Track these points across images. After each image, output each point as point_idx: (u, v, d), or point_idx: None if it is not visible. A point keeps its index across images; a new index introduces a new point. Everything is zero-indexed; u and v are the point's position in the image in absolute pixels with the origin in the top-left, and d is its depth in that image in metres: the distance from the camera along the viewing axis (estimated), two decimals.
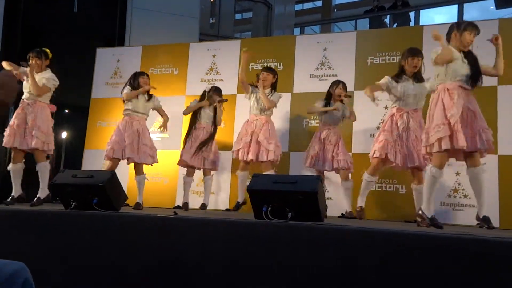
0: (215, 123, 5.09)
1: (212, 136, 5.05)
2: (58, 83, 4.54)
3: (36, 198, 4.34)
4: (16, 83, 1.15)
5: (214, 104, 5.08)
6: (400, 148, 3.98)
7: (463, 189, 4.64)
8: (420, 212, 3.44)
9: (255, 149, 4.70)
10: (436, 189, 3.41)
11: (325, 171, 4.79)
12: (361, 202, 4.29)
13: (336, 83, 4.86)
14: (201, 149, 4.93)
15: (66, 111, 7.07)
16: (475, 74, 3.35)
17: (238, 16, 12.64)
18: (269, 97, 4.83)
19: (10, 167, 4.48)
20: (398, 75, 4.11)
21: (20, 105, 4.49)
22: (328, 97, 4.84)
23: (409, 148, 3.95)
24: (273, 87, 4.95)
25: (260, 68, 5.71)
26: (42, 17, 7.42)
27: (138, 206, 4.68)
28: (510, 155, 4.49)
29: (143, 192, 4.83)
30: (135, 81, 4.89)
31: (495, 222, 4.35)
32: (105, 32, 7.49)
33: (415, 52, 4.04)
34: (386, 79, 4.11)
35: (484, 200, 3.34)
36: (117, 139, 4.70)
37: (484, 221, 3.25)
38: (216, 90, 5.16)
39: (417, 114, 4.04)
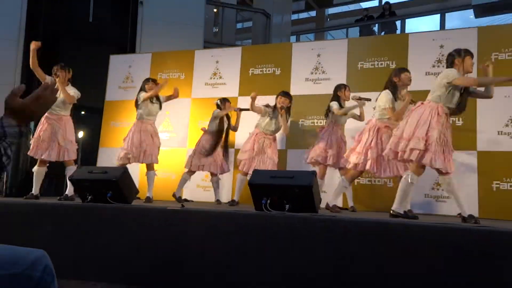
0: (227, 130, 5.07)
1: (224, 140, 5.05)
2: (80, 95, 4.59)
3: (64, 195, 4.44)
4: (55, 97, 1.15)
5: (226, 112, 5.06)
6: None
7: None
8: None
9: (259, 165, 4.64)
10: (410, 191, 3.42)
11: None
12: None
13: (343, 86, 4.62)
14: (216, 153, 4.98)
15: (83, 112, 7.06)
16: (463, 104, 3.40)
17: (239, 25, 12.62)
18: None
19: (34, 169, 4.50)
20: (395, 93, 3.98)
21: (43, 119, 4.46)
22: (337, 99, 4.55)
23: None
24: (288, 111, 4.77)
25: (260, 72, 5.72)
26: (61, 26, 7.40)
27: (148, 200, 4.67)
28: (487, 151, 4.49)
29: (152, 187, 4.81)
30: (143, 88, 4.89)
31: (475, 212, 4.36)
32: (117, 40, 7.47)
33: (405, 69, 4.05)
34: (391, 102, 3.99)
35: (462, 201, 3.32)
36: (134, 144, 4.70)
37: (470, 218, 3.23)
38: (226, 100, 5.13)
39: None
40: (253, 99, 4.62)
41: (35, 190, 4.45)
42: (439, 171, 3.33)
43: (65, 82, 4.51)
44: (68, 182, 4.42)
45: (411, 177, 3.33)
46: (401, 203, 3.37)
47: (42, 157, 4.41)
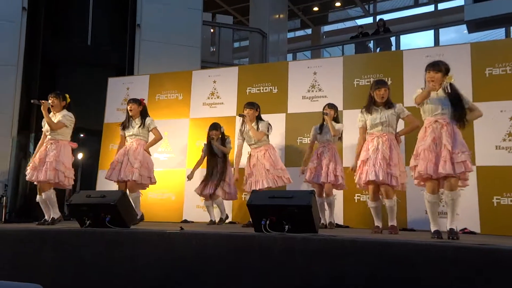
0: (224, 155, 5.02)
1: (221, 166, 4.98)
2: (73, 120, 4.58)
3: (43, 219, 4.40)
4: None
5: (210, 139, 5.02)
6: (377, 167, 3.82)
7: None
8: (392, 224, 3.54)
9: (257, 178, 4.62)
10: (436, 210, 3.35)
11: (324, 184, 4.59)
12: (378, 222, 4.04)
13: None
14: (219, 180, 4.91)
15: (82, 135, 7.07)
16: (458, 113, 3.33)
17: (236, 44, 12.74)
18: (257, 129, 4.75)
19: (37, 198, 4.45)
20: (368, 106, 3.99)
21: (44, 144, 4.52)
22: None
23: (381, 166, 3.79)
24: (258, 118, 4.84)
25: (257, 91, 5.75)
26: (59, 50, 7.47)
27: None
28: (486, 166, 4.48)
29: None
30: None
31: (476, 228, 4.33)
32: (116, 62, 7.53)
33: (381, 83, 3.96)
34: (359, 117, 4.04)
35: (454, 217, 3.24)
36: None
37: (450, 231, 3.18)
38: (211, 127, 5.06)
39: (386, 137, 3.87)
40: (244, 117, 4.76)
41: (55, 213, 4.41)
42: (445, 180, 3.27)
43: (59, 109, 4.56)
44: (51, 207, 4.39)
45: (425, 195, 3.32)
46: (433, 221, 3.32)
47: (38, 180, 4.36)
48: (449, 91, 3.34)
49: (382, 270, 2.43)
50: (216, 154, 5.00)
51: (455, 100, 3.33)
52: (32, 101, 4.69)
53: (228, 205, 5.49)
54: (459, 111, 3.31)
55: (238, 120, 5.64)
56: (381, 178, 3.69)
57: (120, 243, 3.13)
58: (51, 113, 4.56)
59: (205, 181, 4.92)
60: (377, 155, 3.77)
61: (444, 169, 3.16)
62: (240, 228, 4.38)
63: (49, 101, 4.52)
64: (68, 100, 4.65)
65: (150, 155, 4.80)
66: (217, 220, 5.04)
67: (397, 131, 3.98)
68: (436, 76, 3.33)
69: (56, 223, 4.33)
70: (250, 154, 4.83)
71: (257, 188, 4.52)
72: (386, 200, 3.83)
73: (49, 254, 3.22)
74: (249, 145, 4.85)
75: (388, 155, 3.76)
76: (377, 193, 3.87)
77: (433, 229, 3.28)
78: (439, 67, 3.35)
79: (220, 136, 5.01)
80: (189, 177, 5.07)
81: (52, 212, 4.40)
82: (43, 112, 4.46)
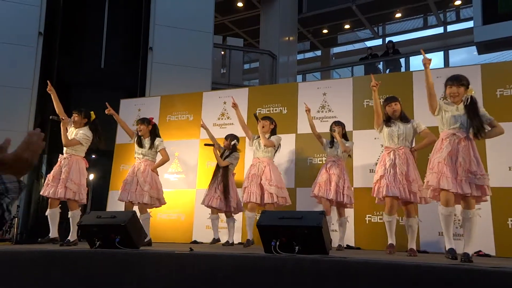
0: (223, 168, 5.03)
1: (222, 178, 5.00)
2: (90, 138, 4.65)
3: (66, 240, 4.40)
4: (42, 142, 1.16)
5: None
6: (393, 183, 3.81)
7: (459, 220, 4.53)
8: (411, 247, 3.46)
9: (258, 192, 4.60)
10: (451, 224, 3.26)
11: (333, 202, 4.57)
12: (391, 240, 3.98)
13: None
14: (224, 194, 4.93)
15: (93, 156, 7.14)
16: (475, 124, 3.29)
17: (246, 66, 12.89)
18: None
19: (47, 212, 4.52)
20: (386, 121, 4.04)
21: (59, 159, 4.62)
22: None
23: (401, 182, 3.80)
24: (273, 132, 4.88)
25: (267, 112, 5.79)
26: (74, 73, 7.64)
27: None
28: (500, 187, 4.40)
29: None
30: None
31: (491, 251, 4.23)
32: (128, 84, 7.67)
33: (390, 99, 4.03)
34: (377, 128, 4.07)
35: (471, 240, 3.18)
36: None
37: (464, 256, 3.08)
38: (228, 136, 5.18)
39: (402, 151, 3.87)
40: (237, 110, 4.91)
41: (52, 233, 4.45)
42: (462, 198, 3.21)
43: (79, 125, 4.65)
44: (71, 227, 4.41)
45: (439, 209, 3.26)
46: (448, 238, 3.25)
47: (49, 195, 4.42)
48: (468, 103, 3.31)
49: None
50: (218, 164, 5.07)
51: (472, 112, 3.29)
52: (50, 117, 4.79)
53: (237, 224, 5.46)
54: (475, 123, 3.26)
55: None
56: (402, 195, 3.69)
57: (130, 264, 3.12)
58: (72, 128, 4.65)
59: (210, 191, 4.97)
60: (396, 170, 3.77)
61: (462, 189, 3.12)
62: (243, 248, 4.36)
63: (72, 117, 4.65)
64: (93, 117, 4.73)
65: (158, 175, 4.83)
66: (222, 240, 5.02)
67: (413, 146, 3.99)
68: (458, 91, 3.33)
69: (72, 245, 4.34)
70: (252, 164, 4.82)
71: (249, 200, 4.59)
72: (408, 219, 3.80)
73: (58, 275, 3.21)
74: (255, 154, 4.86)
75: (405, 171, 3.76)
76: (395, 208, 3.81)
77: (448, 246, 3.20)
78: (461, 81, 3.35)
79: (230, 147, 5.09)
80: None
81: (70, 234, 4.42)
82: (61, 128, 4.56)
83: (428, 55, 3.68)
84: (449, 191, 3.16)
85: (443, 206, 3.22)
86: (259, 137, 4.83)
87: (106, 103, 4.90)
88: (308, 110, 4.72)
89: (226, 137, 5.14)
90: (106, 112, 4.89)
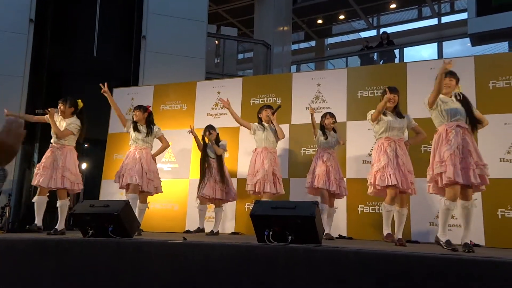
0: (218, 157, 5.07)
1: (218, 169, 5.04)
2: (79, 127, 4.59)
3: (53, 229, 4.37)
4: (23, 129, 1.16)
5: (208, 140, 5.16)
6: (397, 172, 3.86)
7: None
8: (400, 237, 3.52)
9: (271, 181, 4.69)
10: (449, 219, 3.33)
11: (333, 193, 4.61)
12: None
13: (324, 114, 4.80)
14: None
15: (86, 145, 7.10)
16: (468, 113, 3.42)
17: (240, 56, 12.82)
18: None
19: (35, 199, 4.47)
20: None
21: (49, 148, 4.56)
22: (322, 127, 4.75)
23: (403, 173, 3.85)
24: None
25: (261, 102, 5.77)
26: (65, 61, 7.55)
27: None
28: (490, 178, 4.38)
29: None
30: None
31: (481, 241, 4.28)
32: (121, 73, 7.60)
33: (392, 90, 4.04)
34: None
35: (469, 230, 3.26)
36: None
37: (465, 246, 3.15)
38: (208, 128, 5.19)
39: (403, 143, 3.99)
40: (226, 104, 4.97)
41: (38, 220, 4.42)
42: (461, 189, 3.25)
43: (64, 115, 4.57)
44: (60, 216, 4.39)
45: (444, 203, 3.29)
46: (444, 230, 3.30)
47: (41, 185, 4.37)
48: (462, 98, 3.44)
49: (387, 282, 2.40)
50: (209, 155, 5.08)
51: (468, 108, 3.43)
52: (36, 111, 4.73)
53: (231, 214, 5.48)
54: (472, 118, 3.42)
55: (242, 130, 5.66)
56: (404, 186, 3.77)
57: (123, 253, 3.12)
58: (60, 118, 4.58)
59: (202, 182, 4.99)
60: (398, 161, 3.82)
61: (476, 179, 3.18)
62: (237, 237, 4.41)
63: (58, 107, 4.57)
64: (81, 105, 4.66)
65: (156, 163, 4.83)
66: (207, 230, 5.07)
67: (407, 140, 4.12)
68: (451, 84, 3.46)
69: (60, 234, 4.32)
70: (261, 154, 4.81)
71: (259, 190, 4.67)
72: (401, 208, 3.87)
73: (51, 264, 3.21)
74: (263, 145, 4.85)
75: (406, 162, 3.85)
76: (394, 198, 3.86)
77: (444, 238, 3.26)
78: (454, 75, 3.48)
79: (215, 137, 5.13)
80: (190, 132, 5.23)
81: (58, 223, 4.40)
82: (49, 120, 4.49)
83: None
84: (460, 184, 3.20)
85: (450, 200, 3.25)
86: (264, 127, 4.90)
87: (101, 84, 4.77)
88: (312, 113, 4.71)
89: (206, 130, 5.15)
90: (102, 92, 4.77)
